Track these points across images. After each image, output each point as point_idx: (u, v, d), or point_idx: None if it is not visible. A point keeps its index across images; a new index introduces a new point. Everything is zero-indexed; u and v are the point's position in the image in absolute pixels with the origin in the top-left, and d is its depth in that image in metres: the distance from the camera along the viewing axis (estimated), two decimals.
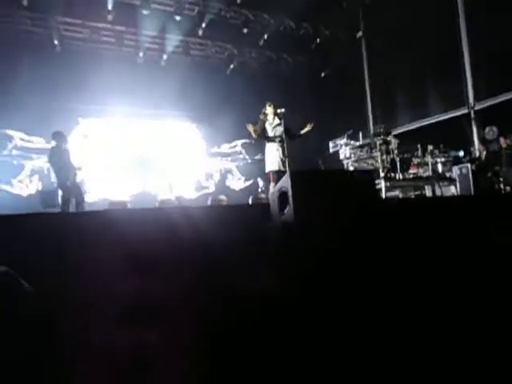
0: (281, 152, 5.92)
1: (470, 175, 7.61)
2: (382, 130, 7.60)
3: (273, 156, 5.97)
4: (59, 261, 2.25)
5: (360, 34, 12.70)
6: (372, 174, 4.18)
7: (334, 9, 11.59)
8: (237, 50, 12.24)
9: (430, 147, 7.41)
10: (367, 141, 7.66)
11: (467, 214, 3.38)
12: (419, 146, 7.46)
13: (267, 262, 2.38)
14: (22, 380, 1.58)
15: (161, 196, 9.89)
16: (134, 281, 2.19)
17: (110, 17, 9.96)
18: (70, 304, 2.01)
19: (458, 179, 7.60)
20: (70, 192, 6.41)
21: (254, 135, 6.07)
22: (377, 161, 7.21)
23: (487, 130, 8.69)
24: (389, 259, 2.38)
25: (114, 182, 10.89)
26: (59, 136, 6.68)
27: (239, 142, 12.53)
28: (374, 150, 7.29)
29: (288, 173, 2.60)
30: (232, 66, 12.55)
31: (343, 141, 7.75)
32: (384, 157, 7.12)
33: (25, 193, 9.76)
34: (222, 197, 8.46)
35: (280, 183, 2.63)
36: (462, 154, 8.37)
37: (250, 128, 5.99)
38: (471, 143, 9.32)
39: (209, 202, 8.58)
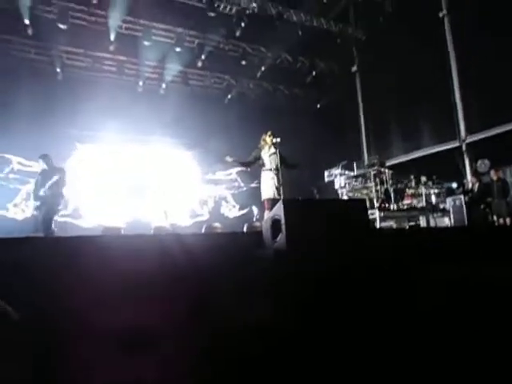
0: (276, 180, 5.97)
1: (464, 207, 7.66)
2: (376, 160, 7.71)
3: (268, 184, 6.01)
4: (49, 287, 2.22)
5: (355, 68, 13.15)
6: (365, 203, 4.21)
7: (329, 44, 12.04)
8: (235, 81, 12.56)
9: (424, 178, 7.51)
10: (362, 171, 7.76)
11: (464, 244, 3.40)
12: (412, 177, 7.55)
13: (261, 291, 2.36)
14: None
15: (155, 223, 9.82)
16: (125, 309, 2.16)
17: (111, 47, 10.28)
18: (60, 332, 1.97)
19: (452, 210, 7.66)
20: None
21: (234, 164, 6.16)
22: (371, 191, 7.29)
23: (479, 162, 8.83)
24: (381, 288, 2.36)
25: (109, 207, 10.86)
26: (43, 157, 6.59)
27: (234, 170, 12.60)
28: (368, 181, 7.38)
29: (281, 201, 2.62)
30: (230, 96, 12.83)
31: (338, 171, 7.84)
32: (378, 187, 7.20)
33: (20, 217, 9.68)
34: (217, 224, 8.39)
35: (273, 211, 2.64)
36: (455, 185, 8.46)
37: (229, 159, 6.11)
38: (464, 175, 9.44)
39: (203, 230, 8.53)
